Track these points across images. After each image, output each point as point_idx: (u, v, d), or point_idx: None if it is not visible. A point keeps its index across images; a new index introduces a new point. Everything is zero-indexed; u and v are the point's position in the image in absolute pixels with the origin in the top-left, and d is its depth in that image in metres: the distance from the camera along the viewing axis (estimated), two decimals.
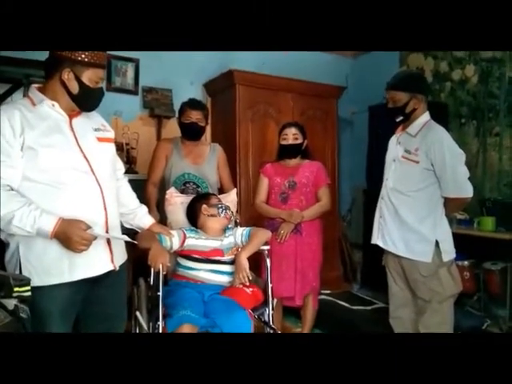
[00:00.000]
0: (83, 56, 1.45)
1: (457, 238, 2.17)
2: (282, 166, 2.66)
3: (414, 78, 2.23)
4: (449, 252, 2.08)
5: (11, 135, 1.38)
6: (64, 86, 1.48)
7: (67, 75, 1.47)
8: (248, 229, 2.12)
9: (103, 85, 1.60)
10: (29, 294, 1.24)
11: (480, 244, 3.02)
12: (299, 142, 2.60)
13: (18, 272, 1.42)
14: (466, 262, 3.07)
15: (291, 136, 2.59)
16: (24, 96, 2.34)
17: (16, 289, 1.21)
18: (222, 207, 2.09)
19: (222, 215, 2.08)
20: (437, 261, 2.05)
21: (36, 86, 1.54)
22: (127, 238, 1.62)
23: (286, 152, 2.63)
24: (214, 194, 2.31)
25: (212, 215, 2.08)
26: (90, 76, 1.50)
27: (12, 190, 1.40)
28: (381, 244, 2.23)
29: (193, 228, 2.11)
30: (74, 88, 1.49)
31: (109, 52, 3.32)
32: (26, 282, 1.25)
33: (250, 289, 1.97)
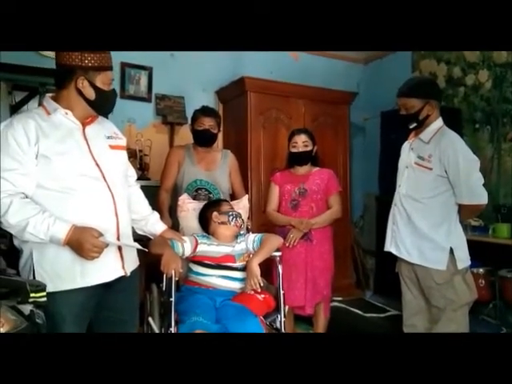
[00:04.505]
0: (93, 61, 1.48)
1: (472, 245, 2.14)
2: (293, 174, 2.65)
3: (426, 84, 2.21)
4: (463, 259, 2.05)
5: (26, 144, 1.41)
6: (80, 93, 1.51)
7: (82, 83, 1.49)
8: (260, 235, 2.12)
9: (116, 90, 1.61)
10: (44, 299, 1.26)
11: (495, 251, 2.98)
12: (309, 149, 2.59)
13: (31, 278, 1.43)
14: (481, 270, 3.03)
15: (301, 144, 2.57)
16: (39, 105, 2.38)
17: (32, 294, 1.23)
18: (232, 215, 2.09)
19: (233, 223, 2.08)
20: (451, 268, 2.02)
21: (50, 95, 1.57)
22: (138, 246, 1.63)
23: (297, 159, 2.62)
24: (225, 201, 2.31)
25: (222, 223, 2.08)
26: (102, 80, 1.52)
27: (26, 197, 1.43)
28: (394, 251, 2.20)
29: (205, 234, 2.12)
30: (91, 94, 1.51)
31: (122, 60, 3.44)
32: (41, 287, 1.27)
33: (262, 295, 1.96)
